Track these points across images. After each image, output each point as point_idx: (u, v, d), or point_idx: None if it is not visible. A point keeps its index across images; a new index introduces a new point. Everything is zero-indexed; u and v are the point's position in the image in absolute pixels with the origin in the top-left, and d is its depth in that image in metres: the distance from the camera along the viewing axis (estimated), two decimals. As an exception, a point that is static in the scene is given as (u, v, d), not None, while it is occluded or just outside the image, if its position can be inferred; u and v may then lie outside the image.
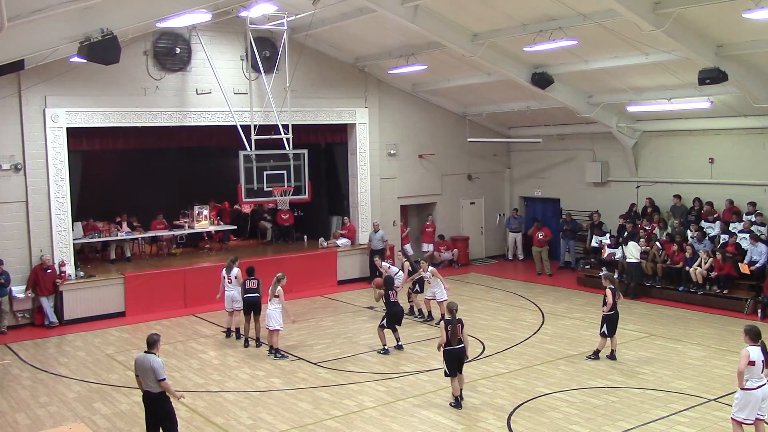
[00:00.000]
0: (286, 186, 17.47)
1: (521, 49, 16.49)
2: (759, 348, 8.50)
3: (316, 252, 20.65)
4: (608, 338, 13.02)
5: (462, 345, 10.82)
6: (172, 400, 9.07)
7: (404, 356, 13.62)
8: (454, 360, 10.82)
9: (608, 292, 12.90)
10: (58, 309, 16.78)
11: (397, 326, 13.97)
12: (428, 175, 23.03)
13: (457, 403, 10.92)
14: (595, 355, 13.10)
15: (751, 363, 8.37)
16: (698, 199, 18.89)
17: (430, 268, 15.80)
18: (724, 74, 14.39)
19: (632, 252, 18.14)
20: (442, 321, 11.07)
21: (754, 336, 8.59)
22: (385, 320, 13.82)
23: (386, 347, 13.79)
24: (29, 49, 12.59)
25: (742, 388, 8.45)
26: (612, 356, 13.01)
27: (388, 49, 19.43)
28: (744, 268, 16.43)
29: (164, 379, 8.78)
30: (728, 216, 18.00)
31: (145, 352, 8.93)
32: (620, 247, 18.78)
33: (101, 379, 12.81)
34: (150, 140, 18.94)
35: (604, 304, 12.95)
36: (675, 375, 12.10)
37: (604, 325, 13.00)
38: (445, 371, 11.01)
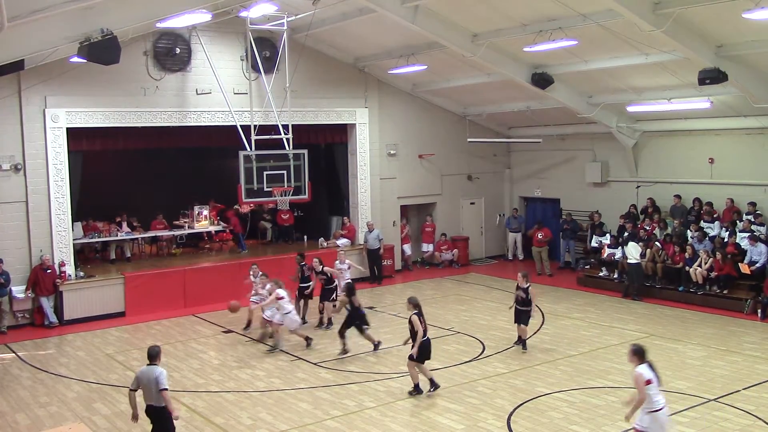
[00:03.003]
0: (286, 186, 17.46)
1: (521, 50, 16.50)
2: (647, 365, 8.11)
3: (316, 252, 20.62)
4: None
5: (427, 336, 11.34)
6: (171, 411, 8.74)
7: (404, 356, 13.55)
8: (428, 350, 11.35)
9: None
10: (58, 309, 16.79)
11: (365, 327, 13.77)
12: (428, 175, 23.02)
13: (417, 390, 11.36)
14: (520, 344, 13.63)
15: (649, 382, 7.97)
16: (698, 199, 18.87)
17: (269, 285, 14.45)
18: (724, 74, 14.39)
19: (632, 252, 18.10)
20: (414, 315, 11.19)
21: (642, 355, 8.18)
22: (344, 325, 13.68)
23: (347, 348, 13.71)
24: (29, 49, 12.59)
25: (651, 411, 7.97)
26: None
27: (388, 49, 19.43)
28: (744, 268, 16.44)
29: (165, 389, 8.56)
30: (729, 216, 18.00)
31: (148, 365, 8.73)
32: (620, 248, 18.78)
33: (101, 379, 12.81)
34: (150, 140, 18.93)
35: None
36: (675, 375, 12.08)
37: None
38: (414, 356, 11.20)
